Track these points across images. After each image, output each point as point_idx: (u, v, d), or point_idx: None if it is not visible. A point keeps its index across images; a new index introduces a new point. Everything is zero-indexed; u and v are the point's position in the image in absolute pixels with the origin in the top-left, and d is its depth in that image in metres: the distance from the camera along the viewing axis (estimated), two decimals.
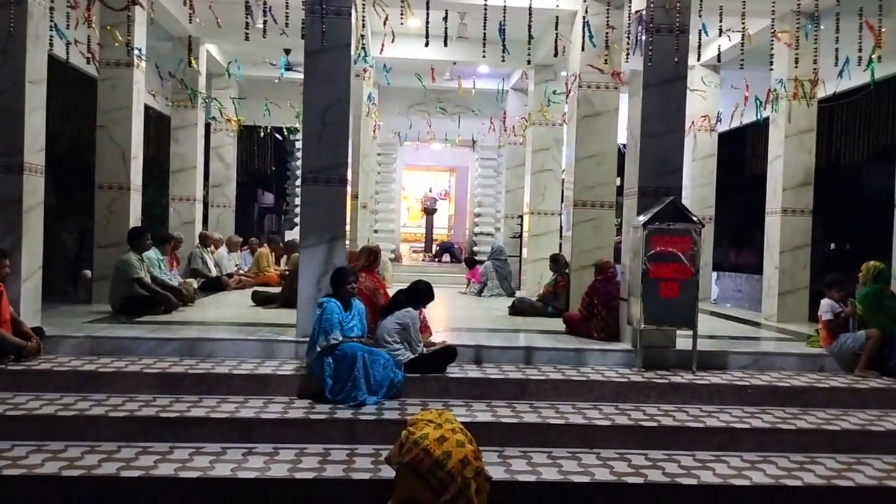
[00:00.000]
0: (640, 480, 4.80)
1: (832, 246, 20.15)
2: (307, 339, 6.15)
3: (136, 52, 8.96)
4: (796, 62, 8.36)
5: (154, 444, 5.07)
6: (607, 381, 6.32)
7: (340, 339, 5.91)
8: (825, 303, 7.31)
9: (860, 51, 7.33)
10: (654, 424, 5.59)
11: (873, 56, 7.72)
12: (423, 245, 20.58)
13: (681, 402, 6.17)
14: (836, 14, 7.33)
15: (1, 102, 6.71)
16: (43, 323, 6.93)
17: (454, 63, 12.61)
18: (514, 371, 6.50)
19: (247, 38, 7.14)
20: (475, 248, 18.46)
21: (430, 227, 20.47)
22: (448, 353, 6.46)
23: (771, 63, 8.69)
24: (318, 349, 5.88)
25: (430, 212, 20.42)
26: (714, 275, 13.60)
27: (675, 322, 6.83)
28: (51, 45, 7.07)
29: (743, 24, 7.68)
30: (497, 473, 4.73)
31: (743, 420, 5.79)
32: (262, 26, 7.30)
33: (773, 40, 8.48)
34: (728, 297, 13.79)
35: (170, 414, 5.39)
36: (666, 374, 6.54)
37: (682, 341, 6.96)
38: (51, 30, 6.99)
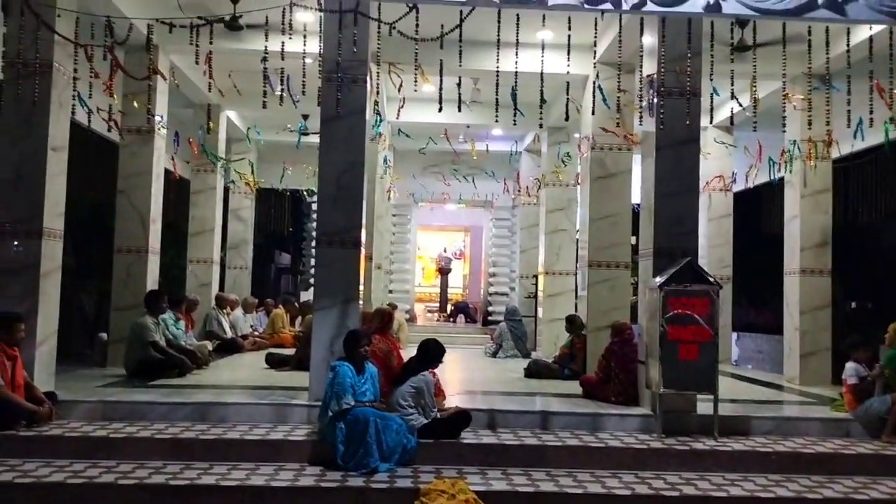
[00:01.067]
0: None
1: (853, 305, 19.88)
2: (320, 403, 6.07)
3: (156, 119, 9.18)
4: (809, 123, 8.40)
5: None
6: (626, 448, 6.16)
7: (353, 403, 5.82)
8: (850, 366, 7.15)
9: (871, 112, 7.35)
10: (676, 494, 5.41)
11: (887, 119, 7.74)
12: (437, 305, 20.52)
13: (703, 470, 5.98)
14: (847, 77, 7.38)
15: (23, 169, 6.86)
16: (57, 387, 6.91)
17: (468, 126, 12.80)
18: (531, 437, 6.36)
19: (264, 107, 7.30)
20: (490, 308, 18.37)
21: (444, 287, 20.44)
22: (462, 418, 6.34)
23: (784, 124, 8.74)
24: (330, 414, 5.80)
25: (444, 272, 20.43)
26: (734, 335, 13.40)
27: (694, 386, 6.68)
28: (73, 112, 7.27)
29: (753, 87, 7.76)
30: None
31: (767, 489, 5.59)
32: (279, 94, 7.47)
33: (784, 102, 8.54)
34: (749, 358, 13.56)
35: (179, 481, 5.30)
36: (687, 441, 6.37)
37: (703, 405, 6.80)
38: (74, 98, 7.19)
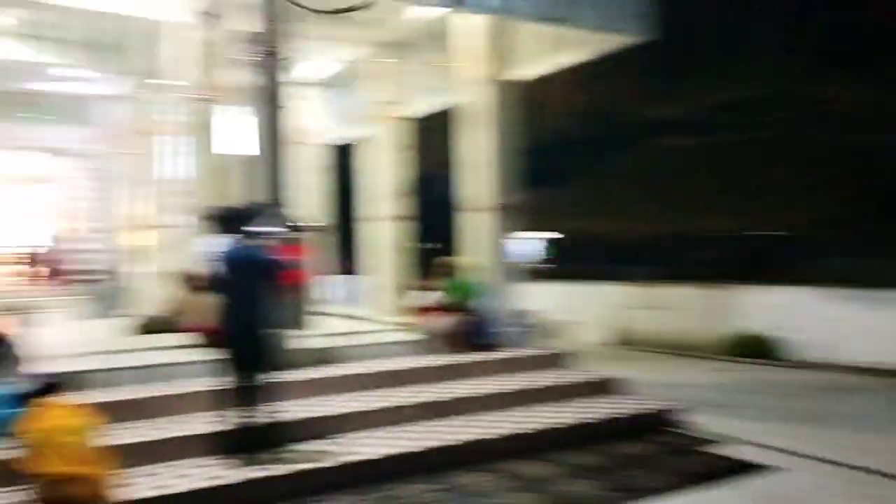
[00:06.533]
0: None
1: (429, 246, 22.82)
2: None
3: None
4: (385, 87, 9.56)
5: None
6: None
7: None
8: (421, 294, 8.57)
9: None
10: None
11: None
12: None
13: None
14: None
15: None
16: None
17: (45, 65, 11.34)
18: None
19: None
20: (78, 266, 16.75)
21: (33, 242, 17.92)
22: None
23: (364, 86, 9.79)
24: None
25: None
26: (341, 278, 14.43)
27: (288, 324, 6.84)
28: None
29: (341, 52, 8.53)
30: None
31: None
32: None
33: (364, 68, 9.56)
34: (345, 298, 14.73)
35: None
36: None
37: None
38: None
